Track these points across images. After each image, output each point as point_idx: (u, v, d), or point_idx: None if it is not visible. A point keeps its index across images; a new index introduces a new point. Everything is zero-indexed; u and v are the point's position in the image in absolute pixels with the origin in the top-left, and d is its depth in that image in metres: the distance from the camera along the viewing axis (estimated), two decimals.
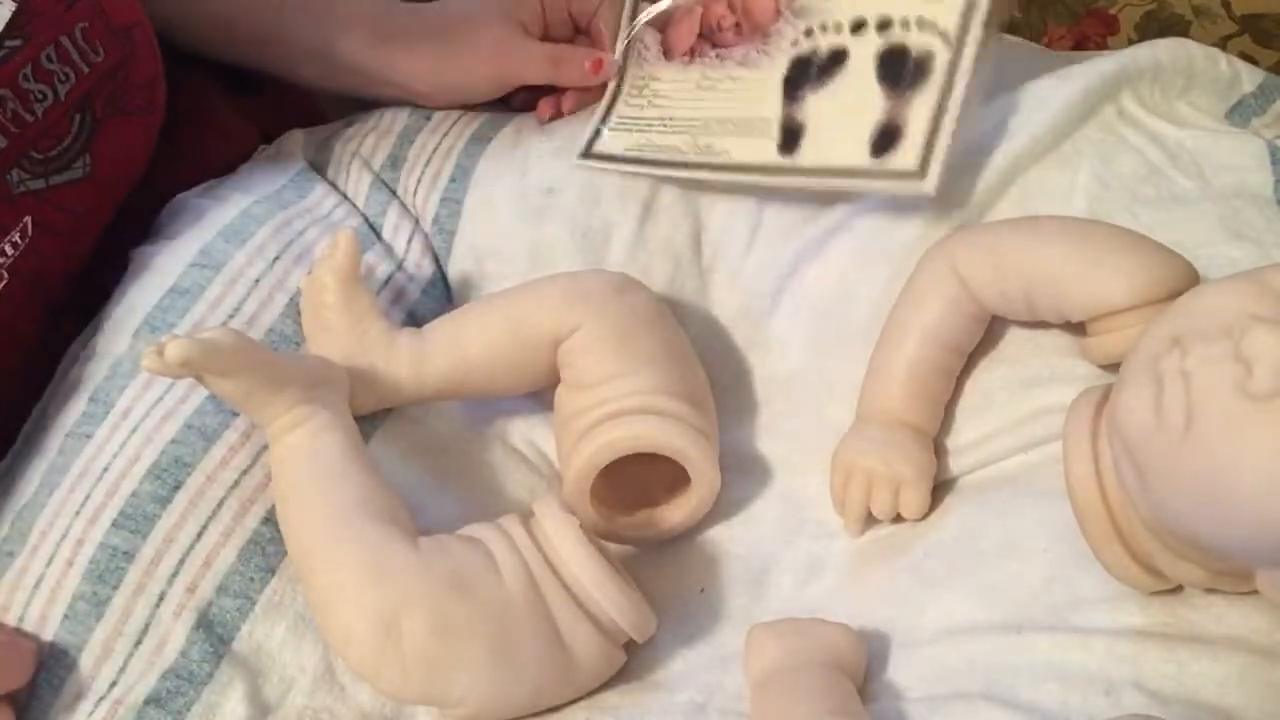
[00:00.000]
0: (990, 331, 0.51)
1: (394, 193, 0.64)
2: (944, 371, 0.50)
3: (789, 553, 0.50)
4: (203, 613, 0.47)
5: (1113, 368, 0.46)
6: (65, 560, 0.48)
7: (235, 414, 0.50)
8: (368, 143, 0.66)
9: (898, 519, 0.49)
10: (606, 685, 0.46)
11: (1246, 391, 0.33)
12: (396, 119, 0.67)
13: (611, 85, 0.67)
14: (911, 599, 0.46)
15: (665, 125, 0.63)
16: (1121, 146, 0.56)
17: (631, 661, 0.46)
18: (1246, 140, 0.57)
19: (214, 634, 0.46)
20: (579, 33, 0.70)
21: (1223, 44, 0.76)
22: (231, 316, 0.54)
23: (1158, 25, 0.75)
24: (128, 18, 0.58)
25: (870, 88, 0.56)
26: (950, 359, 0.50)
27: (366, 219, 0.62)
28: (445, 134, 0.65)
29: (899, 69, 0.56)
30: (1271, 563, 0.36)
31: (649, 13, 0.67)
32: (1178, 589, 0.41)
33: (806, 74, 0.60)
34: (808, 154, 0.56)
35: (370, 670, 0.43)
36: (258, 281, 0.55)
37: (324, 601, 0.44)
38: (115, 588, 0.47)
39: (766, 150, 0.57)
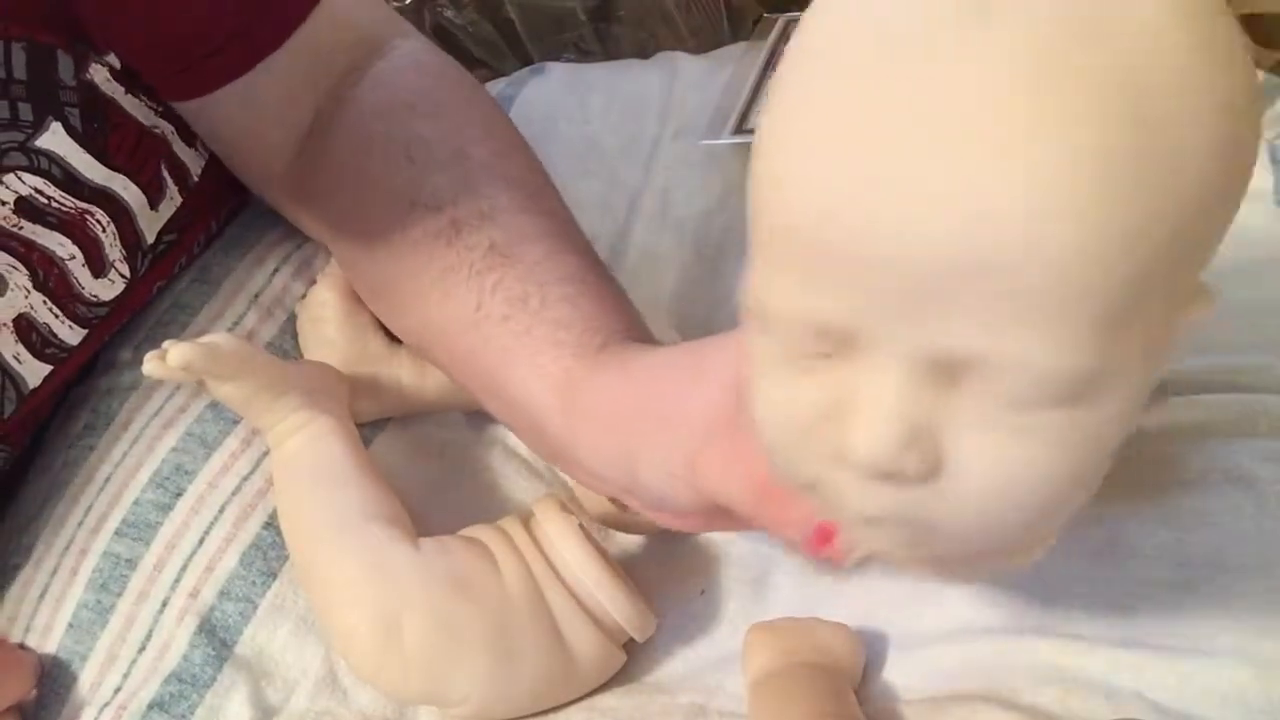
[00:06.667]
0: None
1: None
2: None
3: (789, 554, 0.50)
4: (205, 617, 0.47)
5: None
6: (69, 570, 0.48)
7: (235, 422, 0.50)
8: None
9: None
10: (606, 687, 0.46)
11: None
12: None
13: (752, 81, 0.65)
14: (911, 601, 0.45)
15: None
16: None
17: (631, 663, 0.46)
18: None
19: (217, 638, 0.47)
20: None
21: None
22: (231, 330, 0.54)
23: None
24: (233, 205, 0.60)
25: None
26: None
27: None
28: None
29: None
30: None
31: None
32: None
33: None
34: None
35: (372, 670, 0.43)
36: (257, 296, 0.55)
37: (326, 603, 0.44)
38: (119, 595, 0.47)
39: None
